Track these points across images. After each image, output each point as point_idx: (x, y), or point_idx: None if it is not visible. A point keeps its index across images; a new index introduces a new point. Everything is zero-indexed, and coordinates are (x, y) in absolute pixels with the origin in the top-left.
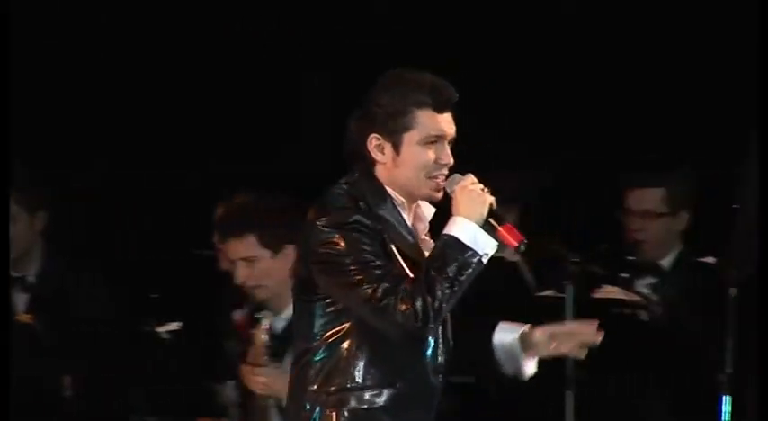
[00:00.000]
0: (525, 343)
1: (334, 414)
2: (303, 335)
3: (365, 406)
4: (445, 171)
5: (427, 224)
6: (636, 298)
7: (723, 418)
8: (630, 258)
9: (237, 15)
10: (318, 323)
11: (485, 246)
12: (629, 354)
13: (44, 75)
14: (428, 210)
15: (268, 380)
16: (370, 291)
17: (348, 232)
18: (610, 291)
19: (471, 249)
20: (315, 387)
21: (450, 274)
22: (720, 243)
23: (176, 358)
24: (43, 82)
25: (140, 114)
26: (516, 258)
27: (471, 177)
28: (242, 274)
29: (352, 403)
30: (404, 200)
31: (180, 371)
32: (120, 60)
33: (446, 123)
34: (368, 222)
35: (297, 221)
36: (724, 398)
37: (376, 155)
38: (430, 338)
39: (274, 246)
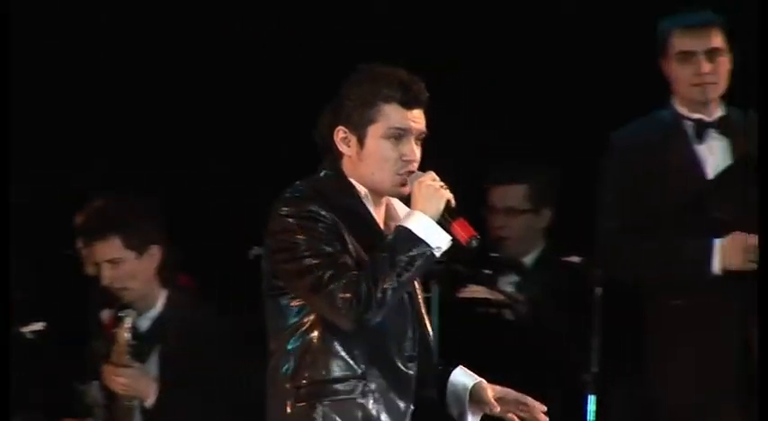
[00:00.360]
0: (474, 396)
1: (309, 408)
2: (273, 331)
3: (339, 397)
4: (411, 167)
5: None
6: (500, 297)
7: (588, 418)
8: (494, 255)
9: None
10: (285, 318)
11: (437, 239)
12: (495, 354)
13: (44, 74)
14: (402, 209)
15: (129, 380)
16: (316, 277)
17: (303, 220)
18: (475, 291)
19: (423, 242)
20: (288, 383)
21: (399, 265)
22: (585, 241)
23: (41, 359)
24: (43, 82)
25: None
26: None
27: (431, 174)
28: (107, 276)
29: (326, 396)
30: (368, 193)
31: (45, 371)
32: (127, 58)
33: (413, 119)
34: (324, 212)
35: (160, 222)
36: (589, 397)
37: (342, 147)
38: (404, 328)
39: (139, 248)
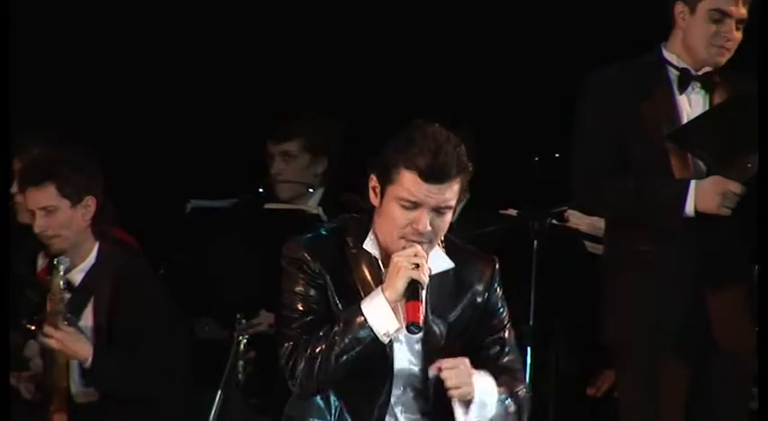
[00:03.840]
0: None
1: None
2: None
3: None
4: (422, 238)
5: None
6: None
7: (526, 369)
8: None
9: None
10: None
11: (386, 326)
12: None
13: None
14: (438, 263)
15: (66, 342)
16: (278, 332)
17: (290, 266)
18: None
19: (369, 327)
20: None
21: (339, 345)
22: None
23: None
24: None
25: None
26: None
27: (414, 249)
28: (41, 224)
29: None
30: (379, 248)
31: None
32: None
33: (429, 193)
34: (312, 261)
35: (97, 174)
36: (527, 349)
37: (371, 195)
38: (377, 391)
39: (74, 197)
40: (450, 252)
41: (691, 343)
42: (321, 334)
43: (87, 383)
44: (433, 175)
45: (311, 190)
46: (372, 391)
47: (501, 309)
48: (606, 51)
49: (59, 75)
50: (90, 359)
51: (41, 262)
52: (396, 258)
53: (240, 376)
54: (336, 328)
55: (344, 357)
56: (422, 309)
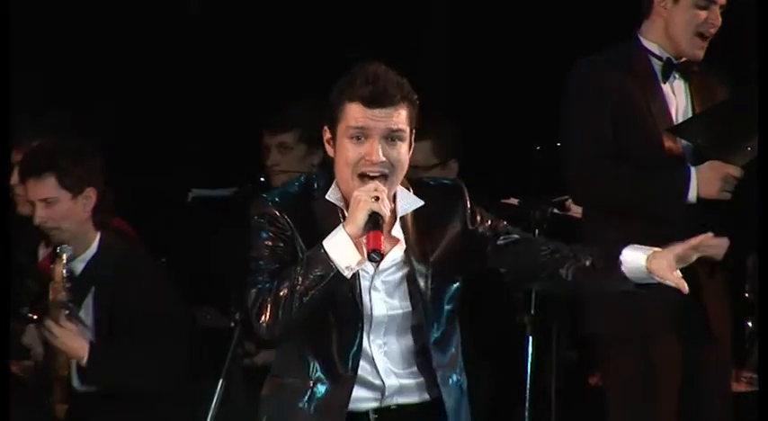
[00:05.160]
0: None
1: (267, 400)
2: None
3: (293, 395)
4: (378, 168)
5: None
6: None
7: (527, 360)
8: None
9: None
10: None
11: (347, 259)
12: None
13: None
14: (407, 205)
15: (65, 339)
16: (247, 281)
17: (259, 223)
18: None
19: (331, 262)
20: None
21: (304, 283)
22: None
23: None
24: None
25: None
26: None
27: (373, 184)
28: (41, 215)
29: (273, 389)
30: (343, 199)
31: None
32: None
33: (375, 117)
34: (281, 216)
35: (98, 165)
36: (528, 339)
37: (328, 149)
38: (351, 339)
39: (74, 188)
40: (417, 192)
41: (682, 330)
42: (283, 275)
43: (83, 381)
44: (375, 99)
45: None
46: (344, 341)
47: (484, 222)
48: (602, 40)
49: (58, 66)
50: (86, 358)
51: (42, 252)
52: (355, 193)
53: (241, 364)
54: (299, 268)
55: (308, 295)
56: (384, 239)
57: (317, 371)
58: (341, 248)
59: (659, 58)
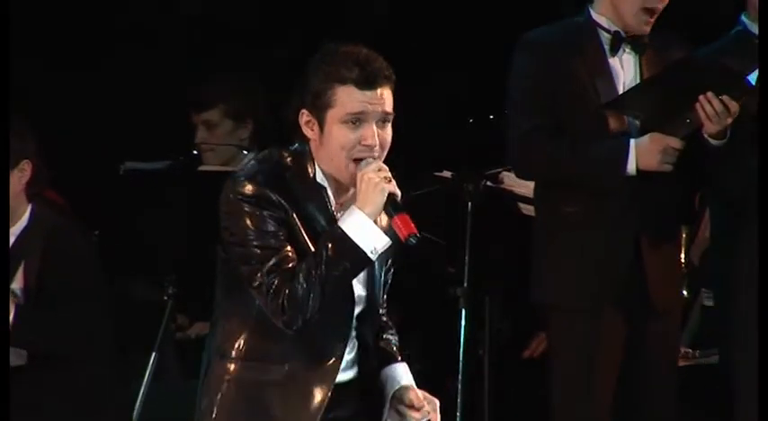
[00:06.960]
0: (397, 395)
1: (223, 384)
2: (216, 306)
3: (251, 377)
4: (374, 152)
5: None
6: None
7: (461, 333)
8: None
9: None
10: (220, 295)
11: (372, 242)
12: None
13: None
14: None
15: None
16: (254, 270)
17: (252, 206)
18: None
19: (356, 247)
20: (216, 356)
21: (331, 271)
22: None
23: None
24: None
25: None
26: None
27: (377, 164)
28: None
29: (240, 373)
30: (326, 179)
31: None
32: None
33: (370, 101)
34: (275, 198)
35: (30, 137)
36: (462, 311)
37: (306, 131)
38: (340, 321)
39: (10, 161)
40: None
41: (627, 302)
42: (305, 265)
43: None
44: (368, 80)
45: (245, 152)
46: (333, 324)
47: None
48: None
49: None
50: (12, 319)
51: None
52: (366, 175)
53: (174, 338)
54: (323, 255)
55: (334, 282)
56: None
57: (300, 354)
58: (365, 232)
59: (608, 31)
